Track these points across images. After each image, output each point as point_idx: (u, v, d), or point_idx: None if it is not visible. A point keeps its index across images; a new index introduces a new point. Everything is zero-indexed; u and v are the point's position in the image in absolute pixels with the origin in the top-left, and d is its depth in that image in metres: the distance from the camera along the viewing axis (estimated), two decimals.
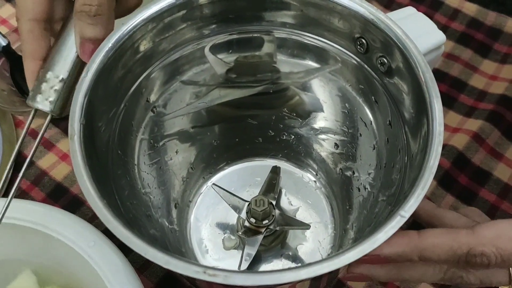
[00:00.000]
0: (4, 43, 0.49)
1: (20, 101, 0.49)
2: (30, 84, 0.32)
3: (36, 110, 0.31)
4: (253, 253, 0.37)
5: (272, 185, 0.42)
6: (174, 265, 0.24)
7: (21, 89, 0.50)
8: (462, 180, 0.46)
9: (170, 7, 0.32)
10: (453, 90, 0.52)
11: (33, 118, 0.32)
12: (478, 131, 0.48)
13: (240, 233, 0.39)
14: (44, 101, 0.31)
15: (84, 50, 0.31)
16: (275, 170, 0.43)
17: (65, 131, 0.50)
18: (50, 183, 0.47)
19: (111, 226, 0.25)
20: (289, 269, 0.24)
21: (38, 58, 0.31)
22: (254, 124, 0.42)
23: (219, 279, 0.23)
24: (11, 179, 0.46)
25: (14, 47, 0.50)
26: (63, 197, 0.46)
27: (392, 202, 0.30)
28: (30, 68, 0.32)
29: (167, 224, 0.39)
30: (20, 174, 0.31)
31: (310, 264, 0.24)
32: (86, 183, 0.26)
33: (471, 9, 0.57)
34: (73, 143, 0.27)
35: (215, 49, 0.36)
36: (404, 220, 0.24)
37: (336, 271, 0.27)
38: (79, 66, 0.31)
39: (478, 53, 0.54)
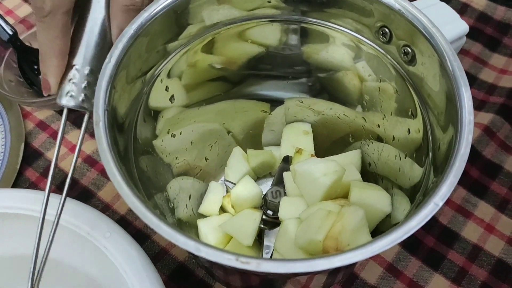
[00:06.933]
0: (11, 33, 0.48)
1: (27, 92, 0.49)
2: (54, 80, 0.30)
3: (69, 109, 0.29)
4: (272, 245, 0.37)
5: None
6: (205, 252, 0.23)
7: (29, 80, 0.49)
8: (474, 174, 0.46)
9: None
10: None
11: (66, 119, 0.30)
12: (489, 124, 0.48)
13: (261, 225, 0.38)
14: (77, 98, 0.29)
15: None
16: (287, 160, 0.42)
17: (74, 123, 0.49)
18: (59, 175, 0.46)
19: (140, 212, 0.24)
20: (322, 256, 0.23)
21: (66, 53, 0.29)
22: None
23: (252, 266, 0.23)
24: (20, 171, 0.46)
25: (21, 37, 0.49)
26: (73, 189, 0.45)
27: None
28: (57, 65, 0.29)
29: (183, 212, 0.38)
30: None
31: (343, 252, 0.23)
32: (113, 170, 0.25)
33: (480, 3, 0.57)
34: (99, 130, 0.26)
35: None
36: (438, 208, 0.24)
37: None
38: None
39: (488, 47, 0.54)
